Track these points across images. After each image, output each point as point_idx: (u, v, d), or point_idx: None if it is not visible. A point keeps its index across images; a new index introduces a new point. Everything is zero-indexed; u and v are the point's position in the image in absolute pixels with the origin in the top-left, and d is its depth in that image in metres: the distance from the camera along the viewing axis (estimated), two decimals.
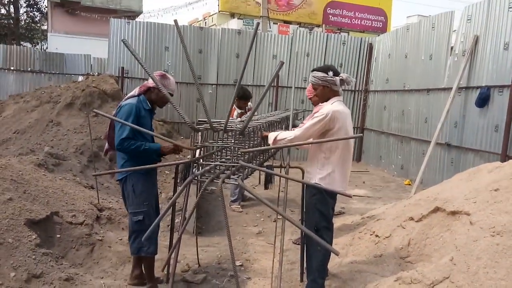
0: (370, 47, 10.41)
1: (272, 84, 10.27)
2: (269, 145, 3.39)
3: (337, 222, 5.16)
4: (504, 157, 5.86)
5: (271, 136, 3.29)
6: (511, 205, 3.22)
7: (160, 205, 3.57)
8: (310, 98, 3.49)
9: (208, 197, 6.04)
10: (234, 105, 5.74)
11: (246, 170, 3.09)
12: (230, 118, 5.47)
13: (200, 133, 3.14)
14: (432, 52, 7.93)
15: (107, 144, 3.48)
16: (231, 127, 2.98)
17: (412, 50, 8.64)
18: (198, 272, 3.71)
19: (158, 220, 2.42)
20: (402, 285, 3.09)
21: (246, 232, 5.01)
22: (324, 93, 3.23)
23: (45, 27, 27.03)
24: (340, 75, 3.19)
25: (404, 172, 8.66)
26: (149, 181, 3.29)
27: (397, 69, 9.23)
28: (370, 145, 10.30)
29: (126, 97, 3.37)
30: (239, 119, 5.05)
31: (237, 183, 2.74)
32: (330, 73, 3.16)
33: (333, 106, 3.16)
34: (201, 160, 2.99)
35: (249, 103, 5.94)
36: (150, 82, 3.29)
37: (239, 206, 5.87)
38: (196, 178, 2.87)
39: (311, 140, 3.18)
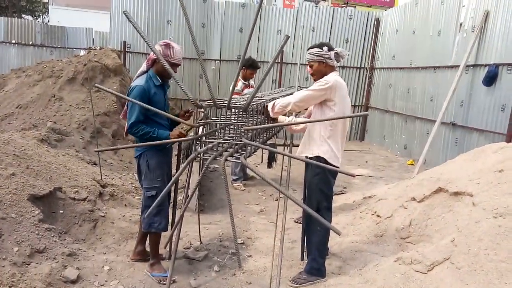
0: (377, 22, 10.17)
1: (276, 60, 10.11)
2: (272, 121, 3.35)
3: (338, 201, 5.18)
4: (510, 138, 5.80)
5: (269, 104, 3.25)
6: None
7: None
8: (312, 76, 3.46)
9: (211, 175, 6.05)
10: (240, 77, 5.67)
11: (249, 148, 3.06)
12: (236, 88, 5.41)
13: (203, 110, 3.10)
14: (440, 28, 7.73)
15: (127, 124, 3.43)
16: (235, 104, 2.94)
17: (420, 26, 8.44)
18: (199, 249, 3.74)
19: (160, 197, 2.41)
20: (402, 265, 3.11)
21: (248, 210, 5.03)
22: (320, 69, 3.22)
23: (46, 0, 26.56)
24: (335, 49, 3.19)
25: (408, 152, 8.62)
26: (164, 158, 3.29)
27: (404, 46, 9.04)
28: (374, 124, 10.22)
29: (136, 74, 3.28)
30: (242, 96, 5.01)
31: (240, 161, 2.72)
32: (325, 48, 3.16)
33: (335, 76, 3.16)
34: (204, 138, 2.96)
35: (251, 81, 5.86)
36: (154, 54, 3.19)
37: (241, 185, 5.87)
38: (199, 155, 2.85)
39: (318, 117, 3.15)
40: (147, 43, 2.39)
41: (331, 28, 10.12)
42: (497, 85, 6.33)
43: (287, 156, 2.57)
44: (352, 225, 4.27)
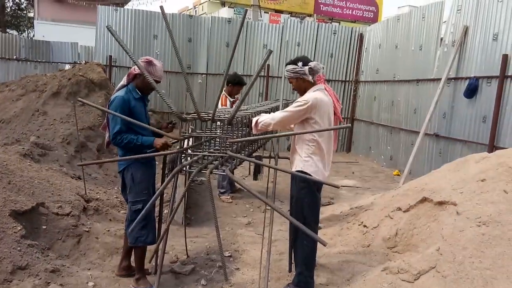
0: (361, 37, 10.38)
1: (262, 74, 10.21)
2: (257, 134, 3.37)
3: (325, 212, 5.19)
4: (492, 148, 5.93)
5: (253, 120, 3.25)
6: (497, 195, 3.25)
7: None
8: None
9: (197, 188, 6.01)
10: (225, 93, 5.69)
11: (235, 160, 3.07)
12: (223, 107, 5.43)
13: (188, 123, 3.10)
14: (422, 43, 7.93)
15: (107, 136, 3.39)
16: (219, 117, 2.95)
17: (402, 41, 8.64)
18: (186, 263, 3.69)
19: (145, 211, 2.39)
20: (389, 275, 3.12)
21: (235, 223, 5.00)
22: (299, 84, 3.24)
23: (31, 14, 26.43)
24: (309, 64, 3.16)
25: (393, 162, 8.72)
26: (148, 171, 3.25)
27: (387, 60, 9.23)
28: (360, 135, 10.34)
29: (116, 88, 3.29)
30: (227, 109, 5.03)
31: (225, 173, 2.72)
32: (300, 64, 3.15)
33: (315, 93, 3.15)
34: (189, 151, 2.96)
35: (237, 95, 5.89)
36: (135, 69, 3.21)
37: (228, 197, 5.85)
38: (184, 168, 2.85)
39: (302, 130, 3.17)
40: (131, 59, 2.41)
41: (315, 43, 10.29)
42: (477, 97, 6.49)
43: (272, 168, 2.58)
44: (339, 236, 4.28)
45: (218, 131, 3.29)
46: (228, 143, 2.92)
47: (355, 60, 10.48)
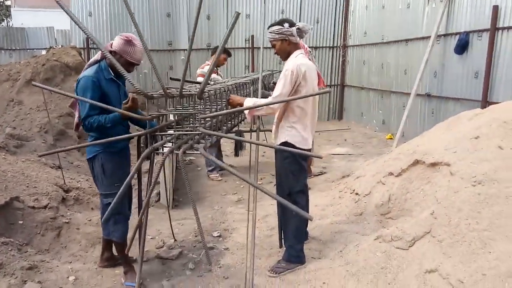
0: (347, 1, 10.00)
1: (247, 46, 9.88)
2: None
3: (317, 182, 5.05)
4: (485, 104, 5.74)
5: (247, 103, 3.02)
6: (492, 152, 3.09)
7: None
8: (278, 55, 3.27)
9: (185, 168, 5.83)
10: (208, 62, 5.56)
11: (211, 138, 2.86)
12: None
13: (171, 101, 2.86)
14: (409, 1, 7.62)
15: (76, 117, 3.06)
16: (189, 92, 2.72)
17: (389, 0, 8.30)
18: (173, 248, 3.55)
19: (114, 203, 2.16)
20: (382, 243, 2.99)
21: (225, 200, 4.85)
22: (283, 47, 3.06)
23: (9, 3, 25.50)
24: (297, 24, 3.02)
25: (386, 126, 8.55)
26: (121, 160, 2.99)
27: (374, 21, 8.91)
28: (351, 101, 10.12)
29: (88, 63, 2.98)
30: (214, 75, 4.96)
31: (199, 152, 2.51)
32: (286, 25, 3.00)
33: (297, 59, 2.98)
34: (159, 131, 2.74)
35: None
36: (112, 45, 2.85)
37: (217, 175, 5.68)
38: (157, 150, 2.64)
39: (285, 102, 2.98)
40: (90, 38, 2.10)
41: (300, 9, 9.92)
42: (468, 53, 6.26)
43: (253, 143, 2.38)
44: (331, 206, 4.14)
45: (199, 107, 3.05)
46: (199, 119, 2.71)
47: (342, 24, 10.14)
